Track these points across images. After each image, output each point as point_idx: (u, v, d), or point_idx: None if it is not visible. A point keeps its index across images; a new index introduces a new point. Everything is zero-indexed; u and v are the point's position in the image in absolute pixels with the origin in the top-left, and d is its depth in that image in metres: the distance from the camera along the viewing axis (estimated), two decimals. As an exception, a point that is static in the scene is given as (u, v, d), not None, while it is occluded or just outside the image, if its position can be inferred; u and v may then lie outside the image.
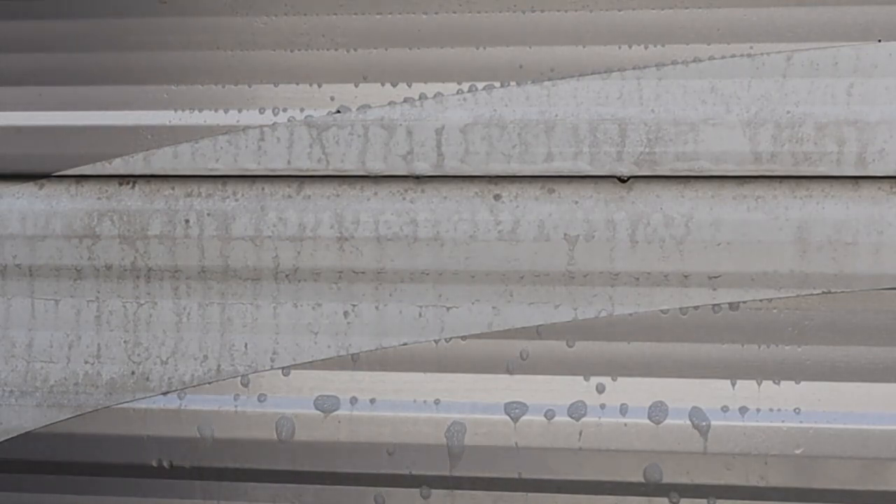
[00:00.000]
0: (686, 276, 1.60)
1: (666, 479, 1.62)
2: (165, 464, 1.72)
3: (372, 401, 1.68)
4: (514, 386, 1.65)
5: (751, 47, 1.56)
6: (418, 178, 1.65)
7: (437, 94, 1.63)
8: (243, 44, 1.67)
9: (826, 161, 1.55)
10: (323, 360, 1.68)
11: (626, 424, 1.62)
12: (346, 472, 1.69)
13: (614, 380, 1.62)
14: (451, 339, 1.65)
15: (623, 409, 1.62)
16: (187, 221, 1.70)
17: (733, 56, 1.56)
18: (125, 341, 1.73)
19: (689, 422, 1.61)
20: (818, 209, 1.57)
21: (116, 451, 1.73)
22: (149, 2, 1.68)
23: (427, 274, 1.65)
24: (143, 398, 1.73)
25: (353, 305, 1.67)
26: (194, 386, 1.71)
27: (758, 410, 1.60)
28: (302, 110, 1.66)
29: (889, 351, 1.57)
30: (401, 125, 1.64)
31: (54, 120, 1.71)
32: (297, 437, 1.69)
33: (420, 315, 1.66)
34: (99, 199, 1.72)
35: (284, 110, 1.67)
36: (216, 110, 1.68)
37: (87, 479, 1.75)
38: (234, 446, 1.70)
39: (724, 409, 1.61)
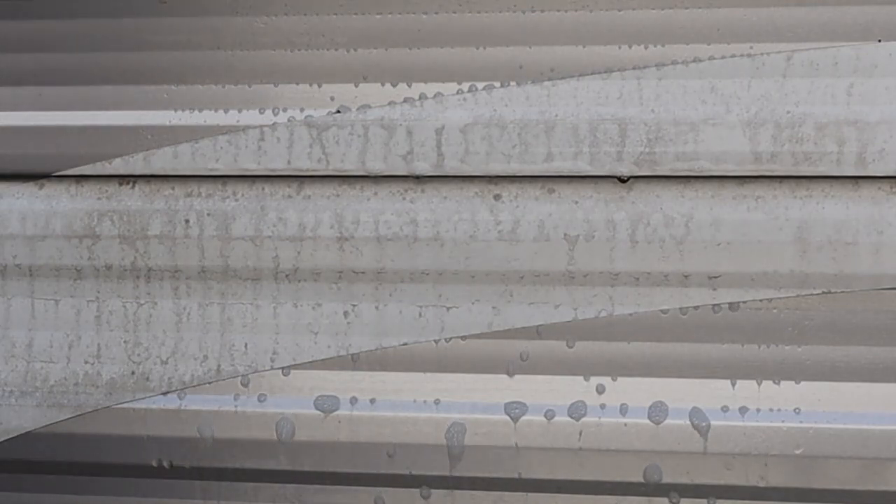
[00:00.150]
0: (686, 276, 1.60)
1: (666, 479, 1.62)
2: (165, 464, 1.72)
3: (372, 401, 1.68)
4: (514, 386, 1.65)
5: (751, 47, 1.56)
6: (418, 178, 1.65)
7: (437, 94, 1.63)
8: (243, 44, 1.67)
9: (826, 161, 1.55)
10: (323, 360, 1.68)
11: (626, 424, 1.62)
12: (346, 472, 1.69)
13: (614, 380, 1.62)
14: (451, 339, 1.65)
15: (623, 410, 1.62)
16: (187, 221, 1.70)
17: (733, 56, 1.56)
18: (125, 341, 1.73)
19: (689, 422, 1.61)
20: (818, 209, 1.57)
21: (116, 451, 1.73)
22: (149, 2, 1.68)
23: (427, 274, 1.65)
24: (143, 398, 1.73)
25: (353, 305, 1.67)
26: (194, 386, 1.71)
27: (758, 410, 1.60)
28: (302, 110, 1.66)
29: (889, 351, 1.57)
30: (401, 125, 1.64)
31: (54, 120, 1.71)
32: (297, 437, 1.69)
33: (420, 315, 1.66)
34: (99, 199, 1.72)
35: (284, 110, 1.67)
36: (216, 110, 1.68)
37: (87, 479, 1.75)
38: (234, 446, 1.70)
39: (724, 409, 1.61)
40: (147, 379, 1.72)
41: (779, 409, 1.60)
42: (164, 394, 1.72)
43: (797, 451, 1.59)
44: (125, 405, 1.73)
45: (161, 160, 1.69)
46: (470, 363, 1.65)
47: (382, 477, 1.68)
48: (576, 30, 1.59)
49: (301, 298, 1.68)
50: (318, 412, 1.69)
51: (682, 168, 1.59)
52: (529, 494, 1.66)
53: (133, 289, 1.72)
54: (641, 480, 1.62)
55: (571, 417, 1.63)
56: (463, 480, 1.66)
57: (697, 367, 1.61)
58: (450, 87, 1.63)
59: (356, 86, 1.65)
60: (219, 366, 1.71)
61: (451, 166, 1.63)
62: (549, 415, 1.64)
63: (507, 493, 1.66)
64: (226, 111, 1.68)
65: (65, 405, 1.74)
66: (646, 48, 1.58)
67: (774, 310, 1.59)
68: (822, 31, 1.54)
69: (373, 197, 1.66)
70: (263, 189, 1.69)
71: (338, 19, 1.65)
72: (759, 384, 1.60)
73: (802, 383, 1.59)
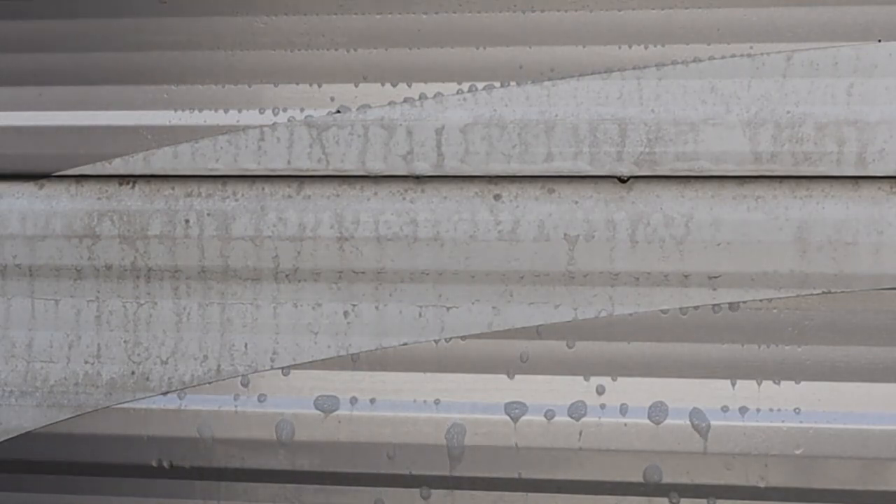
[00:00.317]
0: (686, 276, 1.60)
1: (666, 480, 1.62)
2: (165, 464, 1.72)
3: (372, 401, 1.68)
4: (514, 386, 1.65)
5: (751, 47, 1.56)
6: (418, 178, 1.65)
7: (437, 94, 1.63)
8: (243, 44, 1.67)
9: (826, 161, 1.55)
10: (323, 360, 1.68)
11: (626, 424, 1.62)
12: (346, 472, 1.69)
13: (614, 380, 1.62)
14: (451, 339, 1.65)
15: (623, 410, 1.62)
16: (187, 221, 1.70)
17: (733, 56, 1.56)
18: (125, 341, 1.73)
19: (689, 422, 1.61)
20: (818, 209, 1.57)
21: (116, 451, 1.73)
22: (149, 2, 1.68)
23: (427, 274, 1.65)
24: (143, 398, 1.73)
25: (353, 305, 1.67)
26: (194, 386, 1.71)
27: (758, 410, 1.60)
28: (302, 110, 1.66)
29: (889, 351, 1.57)
30: (401, 125, 1.64)
31: (54, 120, 1.71)
32: (297, 437, 1.69)
33: (420, 315, 1.66)
34: (99, 199, 1.72)
35: (284, 110, 1.67)
36: (216, 110, 1.68)
37: (87, 479, 1.75)
38: (234, 446, 1.70)
39: (724, 409, 1.60)
40: (147, 379, 1.72)
41: (779, 409, 1.60)
42: (164, 394, 1.72)
43: (797, 452, 1.59)
44: (125, 405, 1.73)
45: (161, 160, 1.69)
46: (470, 363, 1.65)
47: (382, 477, 1.68)
48: (576, 30, 1.59)
49: (301, 298, 1.68)
50: (318, 412, 1.69)
51: (682, 168, 1.59)
52: (529, 494, 1.66)
53: (133, 289, 1.72)
54: (641, 480, 1.62)
55: (571, 417, 1.63)
56: (463, 480, 1.66)
57: (697, 367, 1.61)
58: (450, 87, 1.63)
59: (356, 86, 1.65)
60: (219, 366, 1.71)
61: (451, 166, 1.63)
62: (549, 415, 1.64)
63: (507, 493, 1.66)
64: (226, 111, 1.68)
65: (65, 405, 1.74)
66: (646, 48, 1.58)
67: (774, 310, 1.59)
68: (822, 31, 1.54)
69: (373, 197, 1.66)
70: (263, 189, 1.69)
71: (338, 19, 1.65)
72: (759, 384, 1.60)
73: (802, 383, 1.59)
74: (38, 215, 1.73)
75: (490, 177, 1.64)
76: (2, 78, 1.72)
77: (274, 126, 1.67)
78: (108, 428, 1.73)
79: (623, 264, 1.61)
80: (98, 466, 1.74)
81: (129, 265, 1.72)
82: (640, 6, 1.58)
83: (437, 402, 1.66)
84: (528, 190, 1.63)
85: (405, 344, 1.66)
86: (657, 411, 1.61)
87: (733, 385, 1.60)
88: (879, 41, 1.54)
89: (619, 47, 1.59)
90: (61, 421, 1.74)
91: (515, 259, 1.63)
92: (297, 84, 1.66)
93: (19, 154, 1.73)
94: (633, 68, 1.58)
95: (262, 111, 1.67)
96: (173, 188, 1.71)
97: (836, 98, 1.55)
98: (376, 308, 1.67)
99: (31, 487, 1.76)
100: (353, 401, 1.68)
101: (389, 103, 1.64)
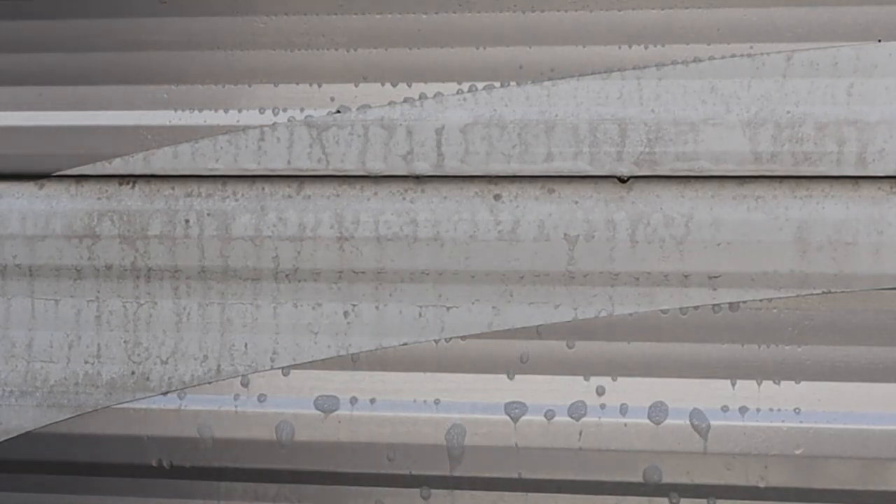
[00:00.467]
0: (686, 276, 1.60)
1: (666, 480, 1.62)
2: (165, 464, 1.72)
3: (372, 401, 1.68)
4: (514, 386, 1.65)
5: (751, 47, 1.56)
6: (418, 178, 1.65)
7: (437, 94, 1.63)
8: (243, 44, 1.67)
9: (826, 161, 1.55)
10: (323, 360, 1.68)
11: (626, 425, 1.62)
12: (346, 473, 1.69)
13: (614, 380, 1.62)
14: (451, 339, 1.65)
15: (623, 410, 1.62)
16: (187, 221, 1.70)
17: (733, 56, 1.56)
18: (125, 341, 1.73)
19: (689, 422, 1.61)
20: (818, 209, 1.57)
21: (116, 451, 1.73)
22: (149, 2, 1.68)
23: (427, 274, 1.65)
24: (143, 398, 1.73)
25: (353, 305, 1.67)
26: (194, 386, 1.71)
27: (758, 410, 1.60)
28: (302, 110, 1.66)
29: (889, 351, 1.57)
30: (401, 125, 1.64)
31: (54, 120, 1.71)
32: (297, 437, 1.69)
33: (420, 315, 1.66)
34: (99, 199, 1.72)
35: (284, 110, 1.67)
36: (216, 110, 1.68)
37: (87, 479, 1.75)
38: (234, 446, 1.70)
39: (724, 409, 1.60)
40: (147, 379, 1.72)
41: (779, 409, 1.60)
42: (164, 394, 1.72)
43: (797, 452, 1.59)
44: (125, 405, 1.73)
45: (161, 160, 1.69)
46: (470, 363, 1.65)
47: (382, 477, 1.68)
48: (576, 30, 1.59)
49: (301, 298, 1.68)
50: (318, 412, 1.69)
51: (682, 168, 1.59)
52: (529, 494, 1.66)
53: (133, 289, 1.72)
54: (641, 481, 1.62)
55: (571, 417, 1.63)
56: (463, 480, 1.66)
57: (697, 367, 1.61)
58: (450, 87, 1.63)
59: (356, 86, 1.65)
60: (219, 366, 1.71)
61: (451, 166, 1.63)
62: (549, 415, 1.64)
63: (507, 493, 1.66)
64: (226, 111, 1.68)
65: (65, 405, 1.74)
66: (646, 48, 1.58)
67: (774, 310, 1.59)
68: (822, 31, 1.54)
69: (373, 197, 1.66)
70: (263, 189, 1.69)
71: (338, 19, 1.65)
72: (759, 384, 1.60)
73: (802, 383, 1.59)
74: (38, 215, 1.73)
75: (490, 177, 1.64)
76: (2, 78, 1.72)
77: (274, 126, 1.67)
78: (108, 428, 1.73)
79: (623, 264, 1.61)
80: (98, 466, 1.74)
81: (129, 265, 1.72)
82: (640, 6, 1.58)
83: (437, 402, 1.66)
84: (528, 190, 1.63)
85: (405, 344, 1.66)
86: (657, 411, 1.61)
87: (733, 385, 1.60)
88: (879, 41, 1.54)
89: (619, 47, 1.59)
90: (61, 421, 1.74)
91: (515, 259, 1.63)
92: (297, 84, 1.66)
93: (19, 154, 1.73)
94: (633, 68, 1.58)
95: (262, 111, 1.67)
96: (173, 188, 1.71)
97: (836, 98, 1.55)
98: (376, 308, 1.67)
99: (31, 487, 1.76)
100: (353, 401, 1.68)
101: (389, 103, 1.64)
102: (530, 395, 1.64)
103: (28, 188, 1.74)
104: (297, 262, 1.68)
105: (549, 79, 1.61)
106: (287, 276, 1.68)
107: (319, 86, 1.66)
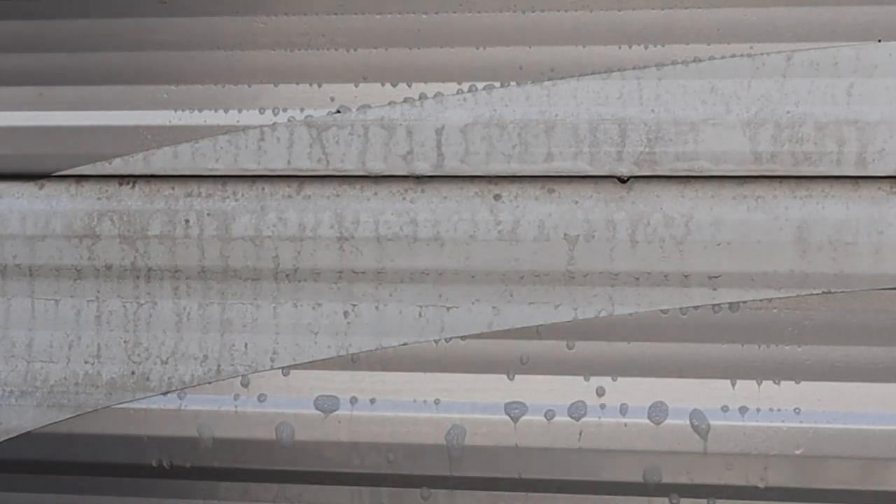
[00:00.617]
0: (686, 276, 1.60)
1: (666, 480, 1.62)
2: (165, 464, 1.72)
3: (372, 401, 1.68)
4: (514, 386, 1.65)
5: (751, 47, 1.56)
6: (418, 178, 1.65)
7: (437, 94, 1.63)
8: (243, 44, 1.67)
9: (826, 161, 1.55)
10: (323, 360, 1.68)
11: (626, 425, 1.62)
12: (346, 472, 1.69)
13: (614, 380, 1.62)
14: (451, 339, 1.65)
15: (623, 410, 1.62)
16: (187, 221, 1.70)
17: (733, 56, 1.56)
18: (125, 341, 1.73)
19: (688, 422, 1.61)
20: (818, 209, 1.57)
21: (116, 451, 1.73)
22: (149, 2, 1.68)
23: (427, 274, 1.65)
24: (143, 398, 1.73)
25: (353, 305, 1.67)
26: (194, 386, 1.71)
27: (758, 410, 1.60)
28: (302, 110, 1.66)
29: (889, 351, 1.57)
30: (401, 125, 1.64)
31: (54, 120, 1.71)
32: (297, 437, 1.69)
33: (420, 315, 1.66)
34: (99, 199, 1.72)
35: (284, 110, 1.67)
36: (216, 110, 1.68)
37: (87, 479, 1.75)
38: (234, 446, 1.70)
39: (724, 409, 1.60)
40: (147, 379, 1.72)
41: (779, 409, 1.60)
42: (164, 394, 1.72)
43: (797, 452, 1.59)
44: (125, 405, 1.73)
45: (161, 160, 1.69)
46: (470, 363, 1.65)
47: (382, 477, 1.68)
48: (576, 30, 1.59)
49: (301, 298, 1.68)
50: (318, 412, 1.69)
51: (682, 168, 1.59)
52: (529, 494, 1.66)
53: (133, 289, 1.72)
54: (641, 481, 1.62)
55: (571, 418, 1.63)
56: (463, 480, 1.66)
57: (697, 367, 1.61)
58: (450, 87, 1.63)
59: (356, 86, 1.65)
60: (219, 366, 1.71)
61: (451, 166, 1.63)
62: (549, 415, 1.64)
63: (507, 493, 1.66)
64: (226, 111, 1.68)
65: (65, 405, 1.74)
66: (646, 48, 1.58)
67: (774, 310, 1.59)
68: (822, 31, 1.54)
69: (373, 197, 1.66)
70: (263, 189, 1.69)
71: (338, 19, 1.65)
72: (759, 384, 1.60)
73: (802, 383, 1.59)
74: (38, 215, 1.73)
75: (490, 177, 1.64)
76: (2, 78, 1.72)
77: (274, 126, 1.67)
78: (108, 428, 1.73)
79: (623, 264, 1.61)
80: (98, 466, 1.74)
81: (129, 265, 1.72)
82: (640, 6, 1.58)
83: (437, 402, 1.66)
84: (528, 190, 1.63)
85: (405, 344, 1.66)
86: (657, 411, 1.61)
87: (733, 385, 1.60)
88: (879, 41, 1.54)
89: (619, 47, 1.59)
90: (61, 421, 1.74)
91: (515, 259, 1.63)
92: (297, 84, 1.66)
93: (19, 154, 1.73)
94: (633, 68, 1.58)
95: (262, 111, 1.67)
96: (173, 188, 1.71)
97: (836, 98, 1.55)
98: (376, 308, 1.67)
99: (31, 487, 1.76)
100: (353, 401, 1.68)
101: (389, 103, 1.64)
102: (530, 395, 1.64)
103: (28, 188, 1.74)
104: (297, 262, 1.68)
105: (549, 79, 1.61)
106: (287, 276, 1.68)
107: (319, 86, 1.66)
